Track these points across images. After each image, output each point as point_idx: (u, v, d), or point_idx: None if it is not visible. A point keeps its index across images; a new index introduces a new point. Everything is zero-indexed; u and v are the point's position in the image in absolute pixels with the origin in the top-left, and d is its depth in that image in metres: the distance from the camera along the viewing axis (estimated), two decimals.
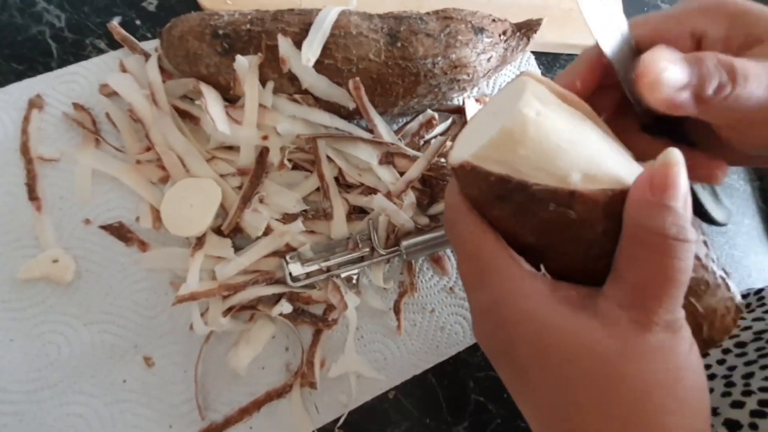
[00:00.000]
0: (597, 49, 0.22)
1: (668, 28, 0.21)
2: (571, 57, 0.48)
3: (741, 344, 0.33)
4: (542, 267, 0.20)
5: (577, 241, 0.19)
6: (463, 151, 0.20)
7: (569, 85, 0.22)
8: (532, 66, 0.45)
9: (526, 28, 0.38)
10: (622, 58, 0.21)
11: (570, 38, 0.47)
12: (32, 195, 0.34)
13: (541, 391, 0.18)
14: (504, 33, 0.37)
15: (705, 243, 0.21)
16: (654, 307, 0.17)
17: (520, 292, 0.19)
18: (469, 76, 0.36)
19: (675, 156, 0.17)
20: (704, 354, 0.36)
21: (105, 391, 0.33)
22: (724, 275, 0.21)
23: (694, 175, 0.21)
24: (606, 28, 0.20)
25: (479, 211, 0.20)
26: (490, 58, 0.37)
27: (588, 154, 0.18)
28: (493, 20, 0.37)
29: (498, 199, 0.19)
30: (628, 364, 0.17)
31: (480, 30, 0.35)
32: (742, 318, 0.35)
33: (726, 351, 0.33)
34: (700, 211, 0.29)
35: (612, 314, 0.17)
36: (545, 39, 0.45)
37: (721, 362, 0.33)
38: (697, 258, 0.20)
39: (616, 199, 0.18)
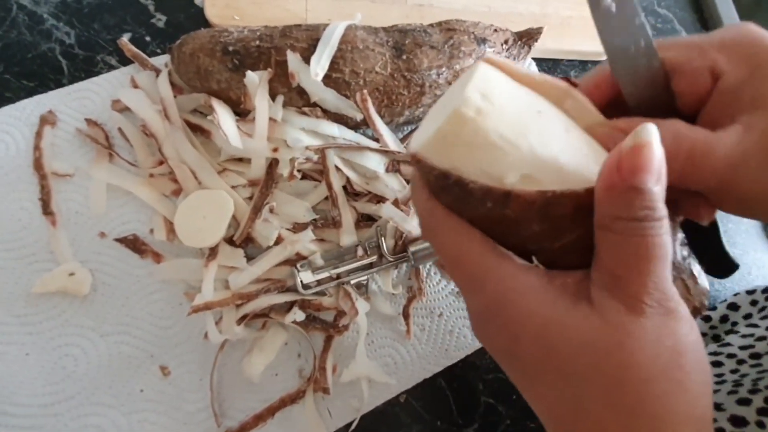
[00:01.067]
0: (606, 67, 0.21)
1: (689, 59, 0.20)
2: (571, 62, 0.49)
3: (756, 355, 0.32)
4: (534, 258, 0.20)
5: (515, 236, 0.19)
6: (417, 140, 0.19)
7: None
8: None
9: (527, 37, 0.39)
10: (633, 66, 0.20)
11: (569, 45, 0.48)
12: (47, 210, 0.35)
13: (549, 387, 0.18)
14: (506, 42, 0.38)
15: None
16: (639, 289, 0.16)
17: (516, 291, 0.18)
18: None
19: (646, 134, 0.15)
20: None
21: (122, 402, 0.33)
22: (685, 276, 0.20)
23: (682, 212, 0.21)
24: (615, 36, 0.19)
25: (436, 197, 0.20)
26: None
27: (532, 153, 0.17)
28: (495, 30, 0.38)
29: (442, 190, 0.19)
30: (628, 354, 0.16)
31: (482, 41, 0.36)
32: (750, 321, 0.36)
33: (740, 362, 0.33)
34: (716, 254, 0.26)
35: (604, 302, 0.17)
36: (545, 46, 0.46)
37: (734, 371, 0.33)
38: None
39: (554, 201, 0.17)
